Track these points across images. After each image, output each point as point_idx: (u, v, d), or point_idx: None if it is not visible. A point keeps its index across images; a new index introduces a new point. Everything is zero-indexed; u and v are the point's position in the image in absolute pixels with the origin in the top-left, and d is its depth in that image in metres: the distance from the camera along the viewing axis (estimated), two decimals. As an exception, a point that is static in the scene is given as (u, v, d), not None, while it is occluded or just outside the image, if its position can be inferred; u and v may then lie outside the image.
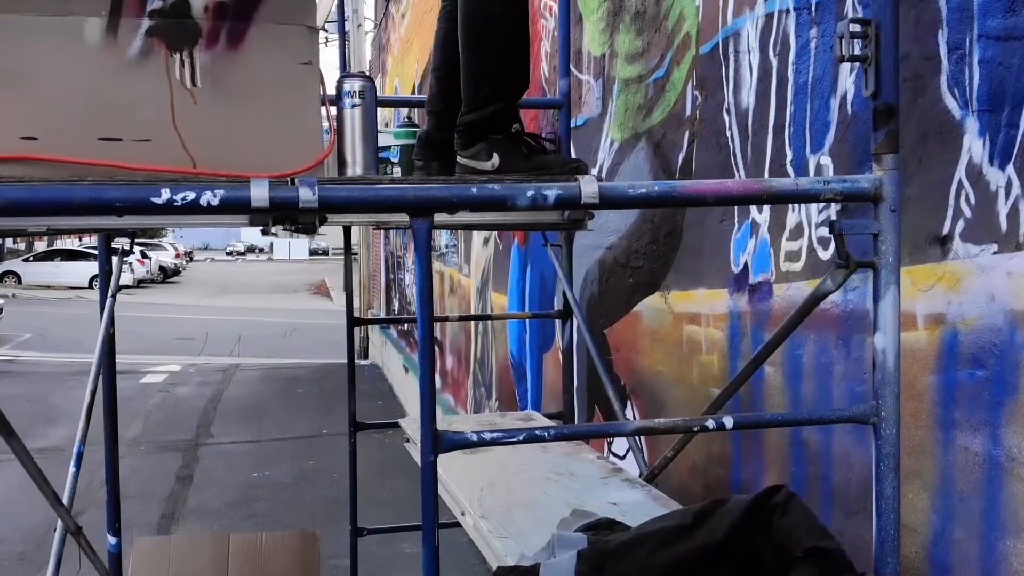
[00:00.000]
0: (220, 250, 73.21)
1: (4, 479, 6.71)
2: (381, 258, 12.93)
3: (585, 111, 3.66)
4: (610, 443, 3.39)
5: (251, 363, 13.48)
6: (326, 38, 15.74)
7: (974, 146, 1.57)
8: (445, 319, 5.19)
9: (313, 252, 64.26)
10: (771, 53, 2.25)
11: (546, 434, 1.31)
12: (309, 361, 13.45)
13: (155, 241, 40.33)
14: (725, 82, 2.48)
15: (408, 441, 2.82)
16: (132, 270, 28.26)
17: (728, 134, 2.46)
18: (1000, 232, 1.51)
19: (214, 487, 6.66)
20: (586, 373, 3.63)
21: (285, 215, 1.25)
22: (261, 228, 1.33)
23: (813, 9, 2.07)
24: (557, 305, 3.22)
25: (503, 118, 1.85)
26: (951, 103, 1.63)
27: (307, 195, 1.22)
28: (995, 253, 1.52)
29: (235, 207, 1.21)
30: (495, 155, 1.79)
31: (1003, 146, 1.51)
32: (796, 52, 2.14)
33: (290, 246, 64.20)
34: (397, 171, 2.02)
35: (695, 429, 1.36)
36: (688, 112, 2.73)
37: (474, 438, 1.28)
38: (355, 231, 13.86)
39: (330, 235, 66.51)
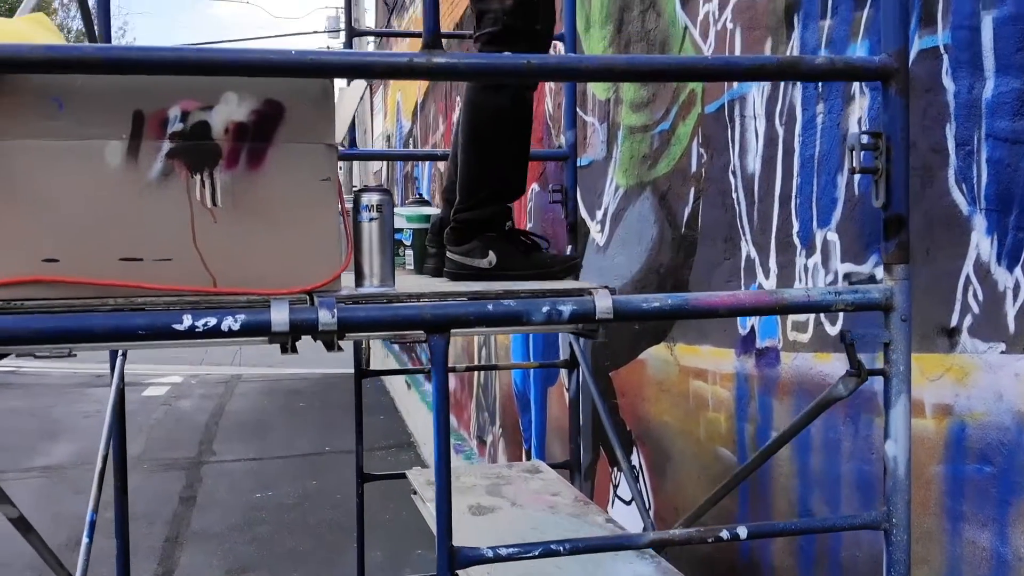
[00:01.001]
0: (220, 251, 73.37)
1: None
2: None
3: (590, 152, 3.68)
4: (616, 485, 3.41)
5: (253, 373, 13.50)
6: (328, 46, 15.80)
7: (982, 244, 1.59)
8: (452, 369, 5.19)
9: (313, 253, 64.38)
10: (777, 122, 2.27)
11: (561, 548, 1.33)
12: (311, 371, 13.44)
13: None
14: (731, 144, 2.50)
15: (415, 493, 2.83)
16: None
17: (734, 196, 2.48)
18: (1008, 333, 1.53)
19: (217, 509, 6.67)
20: (591, 413, 3.65)
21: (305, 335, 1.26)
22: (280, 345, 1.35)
23: (819, 84, 2.08)
24: (563, 349, 3.24)
25: (499, 218, 1.88)
26: (959, 197, 1.65)
27: (326, 318, 1.24)
28: (1003, 352, 1.54)
29: (256, 331, 1.23)
30: (491, 253, 1.81)
31: (1011, 248, 1.53)
32: (803, 124, 2.15)
33: (290, 247, 64.37)
34: (410, 254, 2.04)
35: (710, 540, 1.38)
36: (694, 168, 2.75)
37: (490, 554, 1.30)
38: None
39: (330, 236, 66.61)
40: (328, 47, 15.43)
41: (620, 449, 2.65)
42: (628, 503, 3.22)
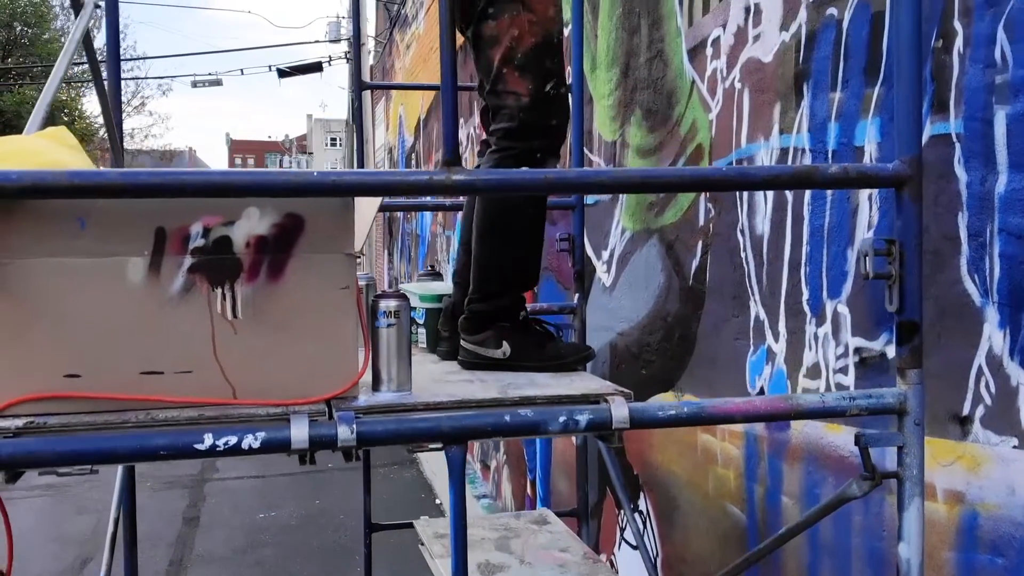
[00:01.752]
0: (219, 252, 73.19)
1: (14, 519, 6.76)
2: (385, 282, 12.95)
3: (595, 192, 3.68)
4: (623, 528, 3.42)
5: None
6: (329, 56, 15.80)
7: (994, 337, 1.60)
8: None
9: (312, 255, 64.26)
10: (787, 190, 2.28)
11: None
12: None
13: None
14: (739, 203, 2.51)
15: (422, 544, 2.84)
16: (133, 279, 28.25)
17: (743, 255, 2.49)
18: (1020, 428, 1.54)
19: (221, 530, 6.68)
20: (598, 452, 3.66)
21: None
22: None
23: (830, 155, 2.09)
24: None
25: (513, 308, 1.88)
26: (971, 287, 1.66)
27: (345, 433, 1.25)
28: (1015, 447, 1.55)
29: (276, 447, 1.24)
30: (505, 344, 1.82)
31: (1023, 348, 1.54)
32: (812, 194, 2.16)
33: (289, 249, 64.27)
34: (422, 333, 2.05)
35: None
36: (701, 222, 2.75)
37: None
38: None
39: (329, 237, 66.41)
40: (330, 56, 15.42)
41: (626, 496, 2.67)
42: (634, 548, 3.23)
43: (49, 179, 1.16)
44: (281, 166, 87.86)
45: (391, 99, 11.90)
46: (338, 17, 26.71)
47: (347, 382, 1.36)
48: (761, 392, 2.40)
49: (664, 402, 1.36)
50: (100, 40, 2.62)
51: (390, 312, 1.45)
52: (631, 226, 3.32)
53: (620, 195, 3.43)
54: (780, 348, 2.31)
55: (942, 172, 1.72)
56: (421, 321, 2.04)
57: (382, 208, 2.34)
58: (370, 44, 15.69)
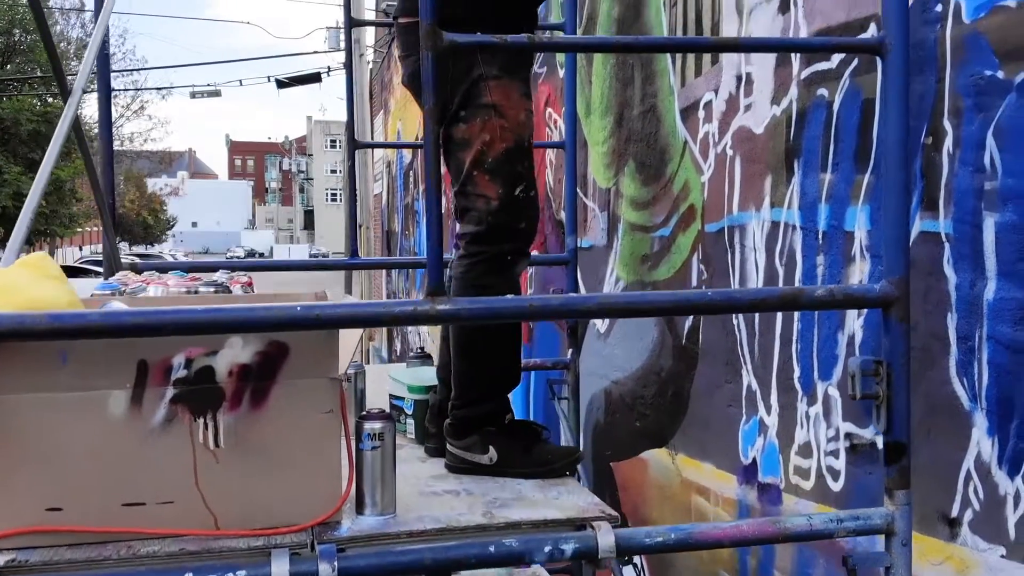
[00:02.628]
0: (220, 254, 73.19)
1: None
2: (383, 295, 12.95)
3: (591, 236, 3.68)
4: (617, 577, 3.42)
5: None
6: (328, 67, 15.76)
7: (983, 443, 1.59)
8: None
9: (313, 257, 64.28)
10: (777, 261, 2.27)
11: None
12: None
13: (155, 252, 40.36)
14: (731, 270, 2.50)
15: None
16: (132, 285, 28.23)
17: (735, 322, 2.48)
18: (1008, 538, 1.53)
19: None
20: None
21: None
22: None
23: (820, 236, 2.09)
24: (563, 435, 3.23)
25: (497, 412, 1.88)
26: (960, 390, 1.65)
27: (327, 571, 1.24)
28: (1003, 557, 1.54)
29: (258, 585, 1.24)
30: (492, 449, 1.81)
31: (1012, 455, 1.53)
32: (803, 271, 2.16)
33: (290, 251, 64.30)
34: (411, 423, 2.04)
35: None
36: (694, 282, 2.75)
37: None
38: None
39: (328, 239, 66.51)
40: (328, 67, 15.37)
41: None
42: (629, 599, 3.23)
43: (29, 323, 1.15)
44: (281, 168, 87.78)
45: (390, 112, 11.90)
46: (338, 24, 26.70)
47: (331, 506, 1.36)
48: (753, 463, 2.40)
49: (651, 528, 1.35)
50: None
51: (375, 434, 1.44)
52: (625, 276, 3.31)
53: (614, 243, 3.42)
54: (772, 422, 2.30)
55: (931, 270, 1.71)
56: (409, 412, 2.03)
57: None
58: (369, 55, 15.68)
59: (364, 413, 1.47)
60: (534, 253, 3.01)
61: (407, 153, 10.02)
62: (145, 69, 30.36)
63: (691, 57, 2.78)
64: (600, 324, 3.57)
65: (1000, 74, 1.56)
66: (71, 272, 24.33)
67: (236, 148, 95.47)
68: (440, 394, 1.97)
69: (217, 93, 17.48)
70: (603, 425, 3.53)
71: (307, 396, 1.34)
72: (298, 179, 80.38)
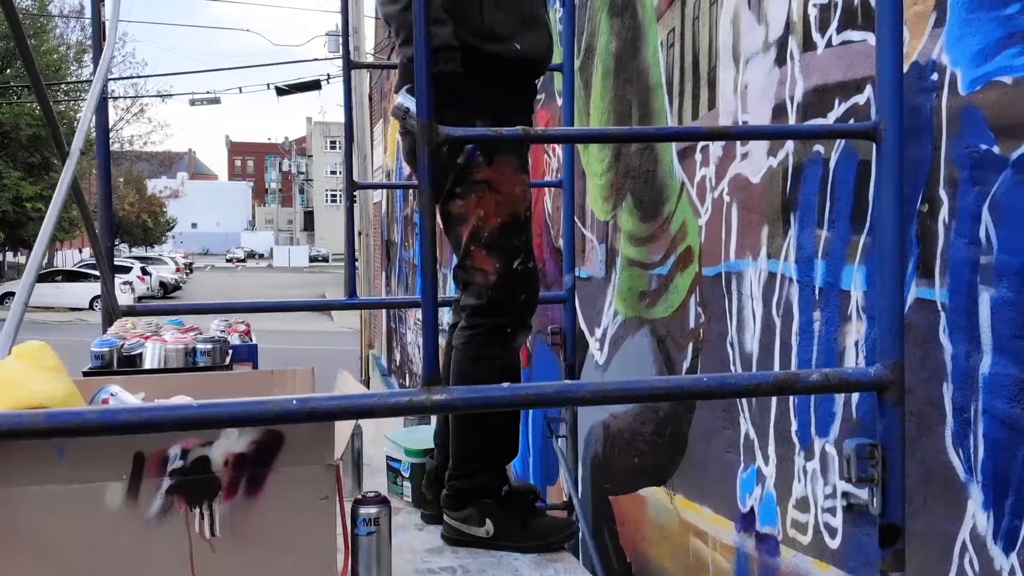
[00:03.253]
0: (220, 255, 73.16)
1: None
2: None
3: (589, 266, 3.68)
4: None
5: (253, 406, 13.49)
6: (328, 74, 15.79)
7: (978, 517, 1.59)
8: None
9: (313, 259, 64.23)
10: (775, 312, 2.28)
11: None
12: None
13: (155, 255, 40.37)
14: (728, 317, 2.51)
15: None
16: (132, 289, 28.27)
17: (732, 367, 2.48)
18: (1005, 614, 1.54)
19: None
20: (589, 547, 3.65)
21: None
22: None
23: (816, 291, 2.09)
24: (564, 487, 3.24)
25: (494, 484, 1.88)
26: (955, 460, 1.65)
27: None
28: (1000, 632, 1.55)
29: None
30: (488, 522, 1.81)
31: (1007, 532, 1.53)
32: (800, 325, 2.16)
33: (290, 253, 64.24)
34: (408, 486, 2.04)
35: None
36: (692, 324, 2.75)
37: None
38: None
39: (328, 240, 66.54)
40: (328, 75, 15.38)
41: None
42: (628, 635, 3.23)
43: (26, 422, 1.16)
44: (280, 169, 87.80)
45: (390, 121, 11.90)
46: (338, 28, 26.75)
47: (327, 593, 1.36)
48: (751, 512, 2.40)
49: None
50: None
51: (370, 519, 1.45)
52: (623, 311, 3.32)
53: (612, 276, 3.43)
54: (770, 472, 2.30)
55: (927, 338, 1.72)
56: (407, 475, 2.03)
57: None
58: (369, 60, 15.66)
59: (360, 497, 1.47)
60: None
61: (406, 165, 10.01)
62: (144, 77, 30.41)
63: (688, 99, 2.78)
64: (598, 355, 3.57)
65: (996, 149, 1.56)
66: (70, 276, 24.38)
67: (236, 149, 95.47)
68: (437, 459, 1.97)
69: (216, 100, 17.49)
70: (601, 458, 3.53)
71: (303, 483, 1.35)
72: (298, 180, 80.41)
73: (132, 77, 29.85)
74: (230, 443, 1.31)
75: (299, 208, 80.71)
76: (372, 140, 14.27)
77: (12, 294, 26.79)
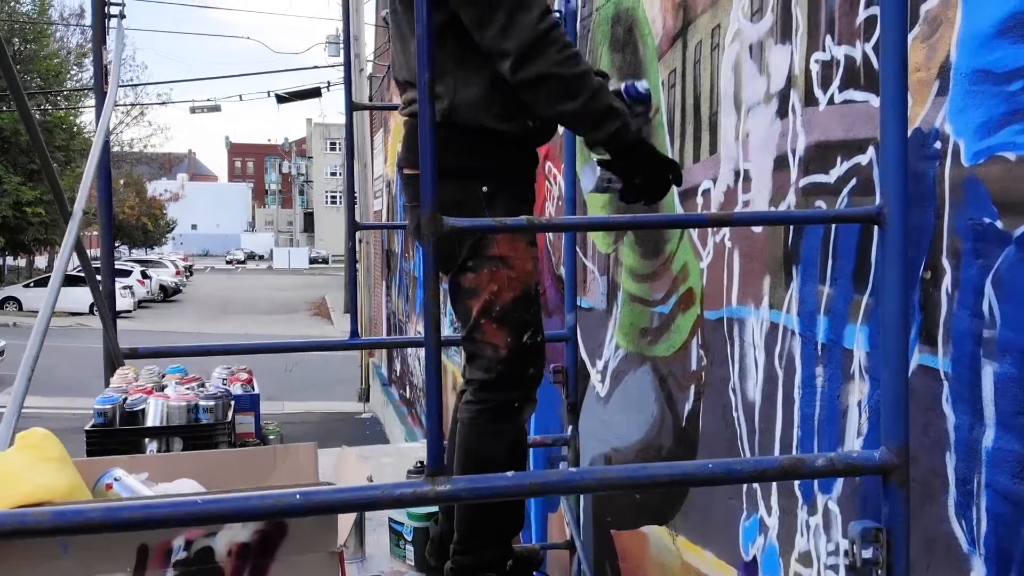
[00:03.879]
0: (220, 257, 73.16)
1: None
2: (383, 315, 12.95)
3: (591, 298, 3.68)
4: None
5: (253, 415, 13.48)
6: (328, 82, 15.79)
7: (982, 590, 1.59)
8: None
9: (313, 260, 64.22)
10: (777, 363, 2.28)
11: None
12: (310, 412, 13.49)
13: (155, 258, 40.37)
14: (731, 362, 2.51)
15: None
16: (132, 293, 28.30)
17: (735, 415, 2.48)
18: None
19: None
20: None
21: None
22: None
23: (819, 347, 2.09)
24: (565, 528, 3.24)
25: (499, 560, 1.88)
26: (958, 531, 1.65)
27: None
28: None
29: None
30: None
31: (1011, 608, 1.53)
32: (802, 379, 2.16)
33: (290, 254, 64.21)
34: (411, 549, 2.04)
35: None
36: (694, 366, 2.75)
37: None
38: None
39: (328, 242, 66.52)
40: (328, 83, 15.37)
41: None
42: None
43: (31, 521, 1.16)
44: (280, 170, 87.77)
45: (390, 131, 11.90)
46: (338, 32, 26.71)
47: None
48: (754, 561, 2.40)
49: None
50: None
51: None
52: (625, 345, 3.32)
53: (614, 309, 3.42)
54: (773, 523, 2.30)
55: (930, 405, 1.72)
56: (409, 538, 2.04)
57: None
58: (369, 68, 15.67)
59: (364, 581, 1.48)
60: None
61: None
62: (144, 84, 30.42)
63: (689, 140, 2.78)
64: (600, 387, 3.57)
65: (999, 224, 1.56)
66: (70, 281, 23.99)
67: (236, 150, 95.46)
68: (441, 526, 1.97)
69: (217, 108, 17.50)
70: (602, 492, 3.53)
71: (307, 571, 1.35)
72: (298, 181, 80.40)
73: (132, 84, 29.84)
74: (234, 533, 1.31)
75: (299, 209, 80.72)
76: (372, 149, 14.27)
77: (12, 299, 26.82)
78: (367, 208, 14.03)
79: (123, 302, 26.92)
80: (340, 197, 62.87)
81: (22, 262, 35.57)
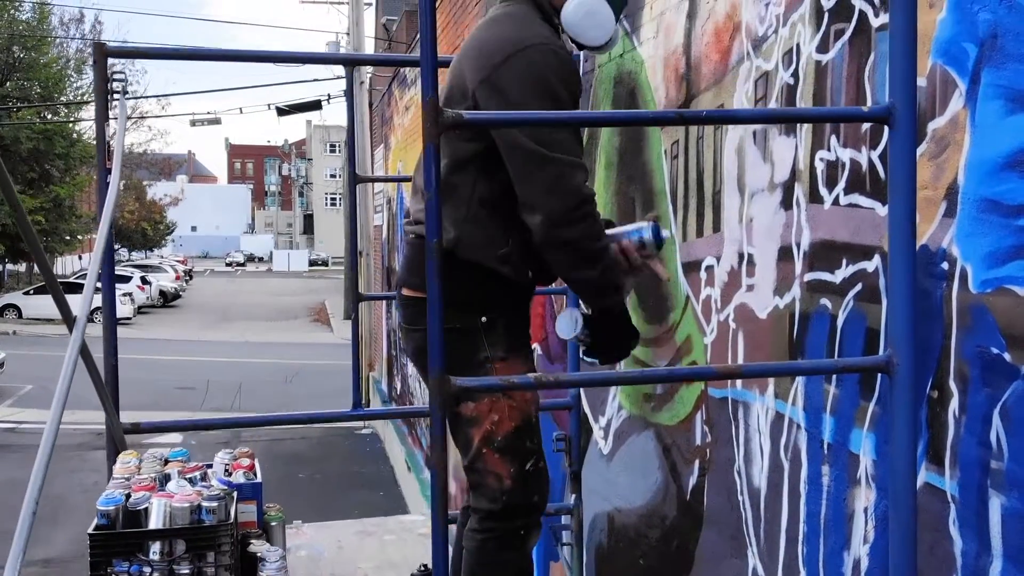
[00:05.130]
0: (220, 258, 73.05)
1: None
2: (383, 329, 12.94)
3: (592, 352, 3.66)
4: None
5: (252, 431, 13.42)
6: (328, 94, 15.76)
7: None
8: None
9: (313, 263, 64.16)
10: (783, 454, 2.27)
11: None
12: (309, 428, 13.45)
13: (155, 262, 40.37)
14: (736, 444, 2.50)
15: None
16: (132, 300, 28.27)
17: (740, 498, 2.48)
18: None
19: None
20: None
21: None
22: None
23: (825, 446, 2.08)
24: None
25: None
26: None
27: None
28: None
29: None
30: None
31: None
32: (808, 474, 2.15)
33: (290, 257, 64.13)
34: None
35: None
36: (698, 440, 2.74)
37: None
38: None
39: (328, 244, 66.48)
40: (328, 95, 15.34)
41: None
42: None
43: None
44: (280, 172, 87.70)
45: (390, 148, 11.89)
46: (337, 36, 26.72)
47: None
48: (758, 646, 2.39)
49: None
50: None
51: None
52: (628, 407, 3.30)
53: (617, 365, 3.41)
54: (777, 610, 2.29)
55: (937, 526, 1.71)
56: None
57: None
58: (368, 81, 15.66)
59: None
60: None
61: (407, 194, 10.01)
62: (144, 98, 30.42)
63: (693, 214, 2.77)
64: (602, 444, 3.56)
65: (1007, 357, 1.55)
66: (70, 288, 24.18)
67: (235, 151, 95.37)
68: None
69: (217, 121, 17.48)
70: (606, 549, 3.52)
71: None
72: (297, 183, 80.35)
73: (135, 97, 29.89)
74: None
75: (299, 211, 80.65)
76: (373, 164, 14.26)
77: (12, 306, 26.76)
78: (367, 223, 14.01)
79: (123, 309, 26.90)
80: (340, 199, 62.83)
81: (22, 267, 35.52)
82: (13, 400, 15.81)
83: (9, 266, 33.46)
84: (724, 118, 2.25)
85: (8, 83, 25.22)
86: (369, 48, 16.68)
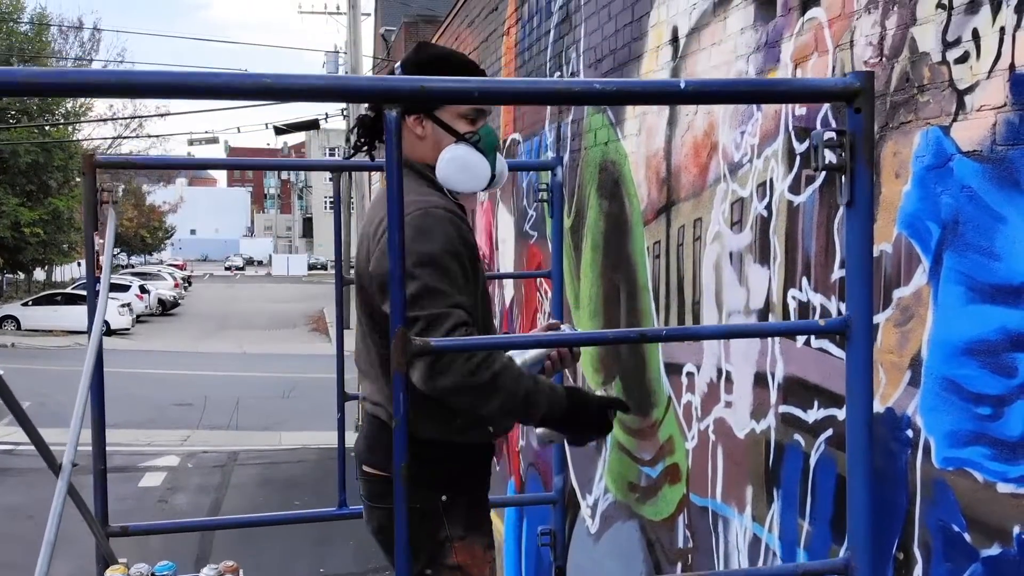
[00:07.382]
0: (219, 262, 73.06)
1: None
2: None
3: (579, 428, 3.69)
4: None
5: (250, 451, 13.44)
6: (326, 113, 15.77)
7: None
8: None
9: (312, 267, 64.16)
10: (759, 577, 2.30)
11: None
12: (307, 446, 13.46)
13: (154, 270, 40.39)
14: (716, 557, 2.53)
15: None
16: (131, 310, 28.27)
17: (719, 608, 2.51)
18: None
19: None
20: None
21: None
22: None
23: (799, 579, 2.11)
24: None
25: None
26: None
27: None
28: None
29: None
30: None
31: None
32: (783, 604, 2.18)
33: (289, 261, 64.13)
34: None
35: None
36: (680, 543, 2.77)
37: None
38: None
39: (328, 247, 66.44)
40: (327, 114, 15.33)
41: None
42: None
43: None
44: (279, 175, 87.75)
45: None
46: (336, 48, 26.73)
47: None
48: None
49: None
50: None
51: None
52: (614, 491, 3.34)
53: (603, 451, 3.44)
54: None
55: None
56: None
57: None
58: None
59: None
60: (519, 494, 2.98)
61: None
62: (142, 117, 30.52)
63: (674, 316, 2.80)
64: (589, 523, 3.59)
65: (968, 537, 1.58)
66: (70, 299, 23.91)
67: (234, 155, 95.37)
68: None
69: (215, 140, 17.51)
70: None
71: None
72: (296, 187, 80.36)
73: (128, 117, 30.05)
74: None
75: (298, 215, 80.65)
76: (371, 179, 14.28)
77: (10, 317, 26.77)
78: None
79: (121, 320, 26.88)
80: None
81: (21, 275, 35.55)
82: (10, 419, 15.82)
83: (8, 275, 33.50)
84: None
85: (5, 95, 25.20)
86: (367, 66, 16.68)
